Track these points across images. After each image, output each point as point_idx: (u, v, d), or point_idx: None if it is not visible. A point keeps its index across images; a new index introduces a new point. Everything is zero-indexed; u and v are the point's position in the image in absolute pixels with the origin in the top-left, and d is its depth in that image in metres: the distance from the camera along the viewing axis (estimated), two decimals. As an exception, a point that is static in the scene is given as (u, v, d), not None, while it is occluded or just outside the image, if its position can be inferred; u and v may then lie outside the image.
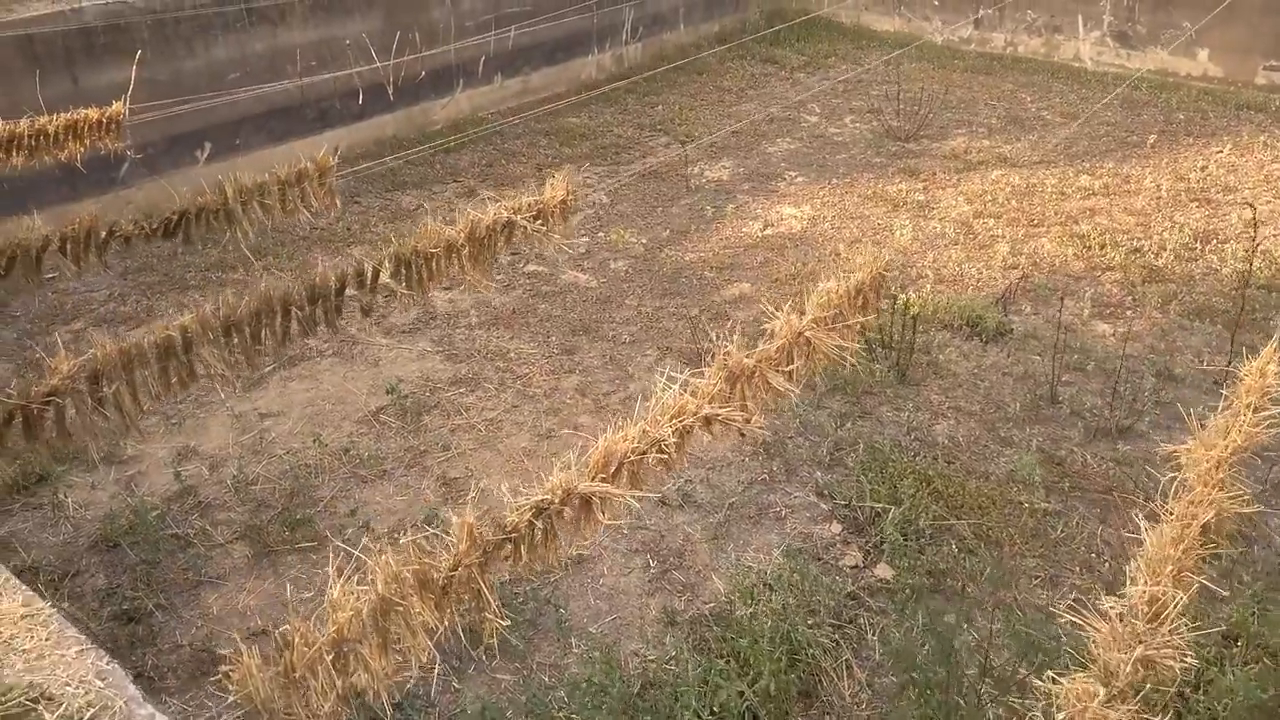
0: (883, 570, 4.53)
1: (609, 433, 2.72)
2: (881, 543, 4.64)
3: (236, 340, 3.07)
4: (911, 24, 13.97)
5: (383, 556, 2.18)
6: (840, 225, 8.13)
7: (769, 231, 8.04)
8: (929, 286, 7.08)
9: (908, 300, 6.65)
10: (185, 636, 4.20)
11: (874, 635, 4.19)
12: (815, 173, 9.28)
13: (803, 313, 3.40)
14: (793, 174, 9.28)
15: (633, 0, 12.04)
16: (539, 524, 2.47)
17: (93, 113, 4.88)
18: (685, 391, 2.99)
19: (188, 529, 4.77)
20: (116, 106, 4.95)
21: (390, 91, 9.26)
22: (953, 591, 4.43)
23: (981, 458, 5.32)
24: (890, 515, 4.75)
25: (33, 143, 4.69)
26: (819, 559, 4.62)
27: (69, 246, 3.78)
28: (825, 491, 5.04)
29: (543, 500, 2.44)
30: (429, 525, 4.66)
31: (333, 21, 8.95)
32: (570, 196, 4.12)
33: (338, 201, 4.80)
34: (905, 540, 4.61)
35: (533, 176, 9.15)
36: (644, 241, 7.87)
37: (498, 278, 7.30)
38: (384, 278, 3.45)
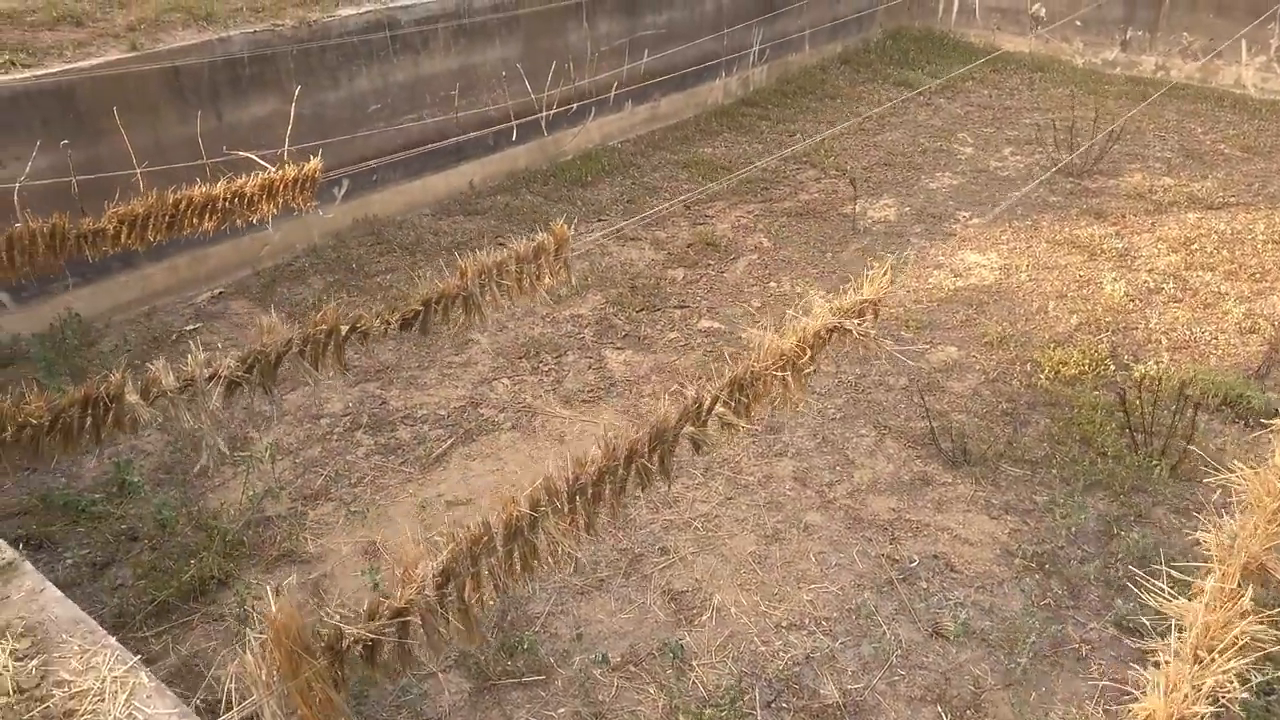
0: (1234, 737, 3.75)
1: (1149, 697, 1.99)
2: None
3: (579, 505, 2.41)
4: (1049, 45, 13.10)
5: None
6: (1038, 276, 7.34)
7: (960, 283, 7.27)
8: (1165, 355, 6.27)
9: (1148, 373, 5.87)
10: (414, 800, 3.57)
11: (1250, 830, 3.42)
12: (989, 213, 8.49)
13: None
14: (964, 214, 8.50)
15: (762, 20, 11.36)
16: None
17: (289, 171, 4.29)
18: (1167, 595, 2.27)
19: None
20: (314, 164, 4.38)
21: (543, 123, 8.66)
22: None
23: (1299, 580, 4.51)
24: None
25: (227, 205, 4.11)
26: None
27: (308, 348, 3.16)
28: (1128, 624, 4.27)
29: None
30: (669, 656, 4.00)
31: (474, 48, 8.37)
32: (885, 293, 3.41)
33: (572, 276, 4.15)
34: (1259, 699, 3.83)
35: (681, 215, 8.49)
36: (823, 294, 7.14)
37: (670, 335, 6.64)
38: (719, 408, 2.76)
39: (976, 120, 10.93)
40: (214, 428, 2.81)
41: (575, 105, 9.38)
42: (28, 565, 2.17)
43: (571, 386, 6.05)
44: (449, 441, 5.50)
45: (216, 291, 7.01)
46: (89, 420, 2.71)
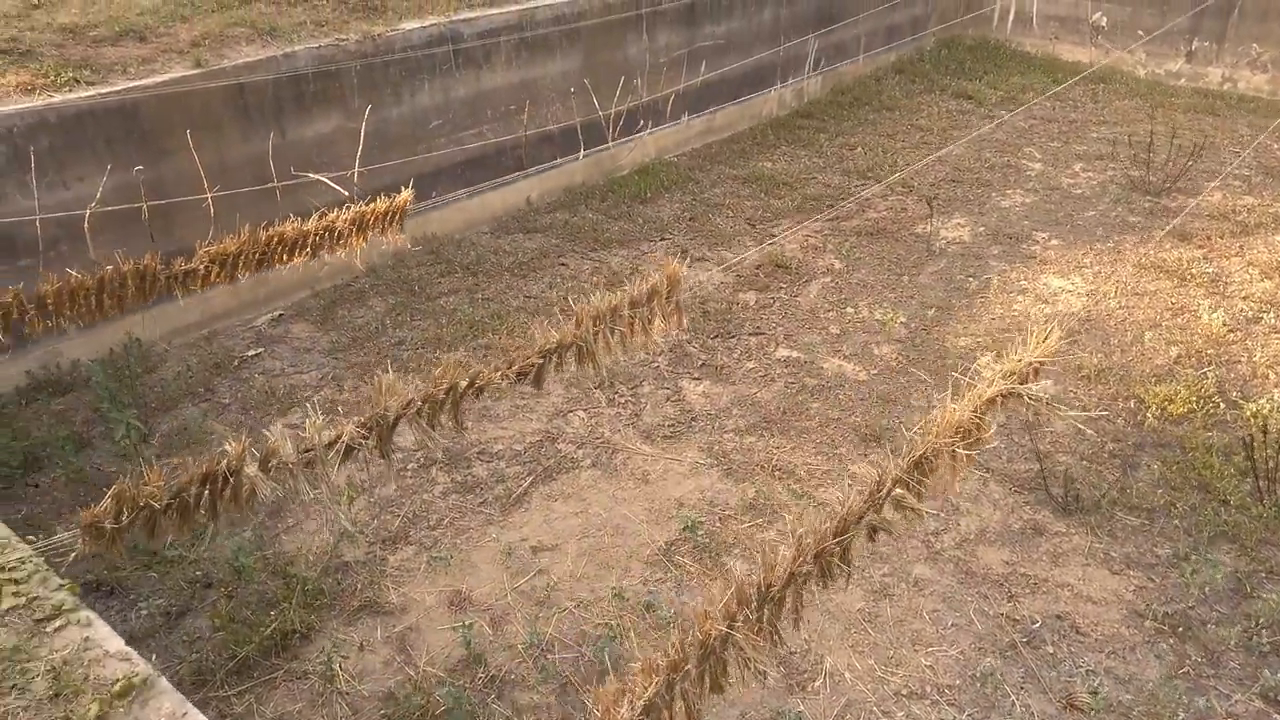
0: None
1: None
2: (1400, 789, 3.56)
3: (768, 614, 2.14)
4: (1110, 55, 12.73)
5: None
6: (1128, 304, 7.01)
7: (1046, 310, 6.96)
8: (1275, 392, 5.94)
9: (1262, 411, 5.54)
10: None
11: None
12: (1068, 234, 8.17)
13: None
14: (1042, 235, 8.18)
15: (818, 29, 11.07)
16: None
17: (380, 205, 4.06)
18: None
19: (489, 718, 3.89)
20: (405, 195, 4.14)
21: (603, 137, 8.43)
22: None
23: None
24: (1393, 745, 3.66)
25: (318, 240, 3.88)
26: (1311, 805, 3.56)
27: (426, 407, 2.92)
28: (1277, 697, 3.96)
29: None
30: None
31: (534, 62, 8.12)
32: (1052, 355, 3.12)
33: (685, 319, 3.89)
34: None
35: (746, 233, 8.21)
36: (903, 320, 6.85)
37: (748, 364, 6.36)
38: (898, 490, 2.48)
39: (1041, 134, 10.59)
40: (333, 497, 2.56)
41: (635, 119, 9.13)
42: (164, 682, 1.93)
43: (650, 420, 5.79)
44: (528, 480, 5.25)
45: (276, 314, 6.80)
46: (205, 496, 2.48)
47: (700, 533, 4.86)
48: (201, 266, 3.54)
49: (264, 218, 6.61)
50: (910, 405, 5.92)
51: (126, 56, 5.99)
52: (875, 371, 6.26)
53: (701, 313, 6.93)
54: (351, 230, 4.02)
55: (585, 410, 5.88)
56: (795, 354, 6.46)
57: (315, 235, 3.87)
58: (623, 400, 5.98)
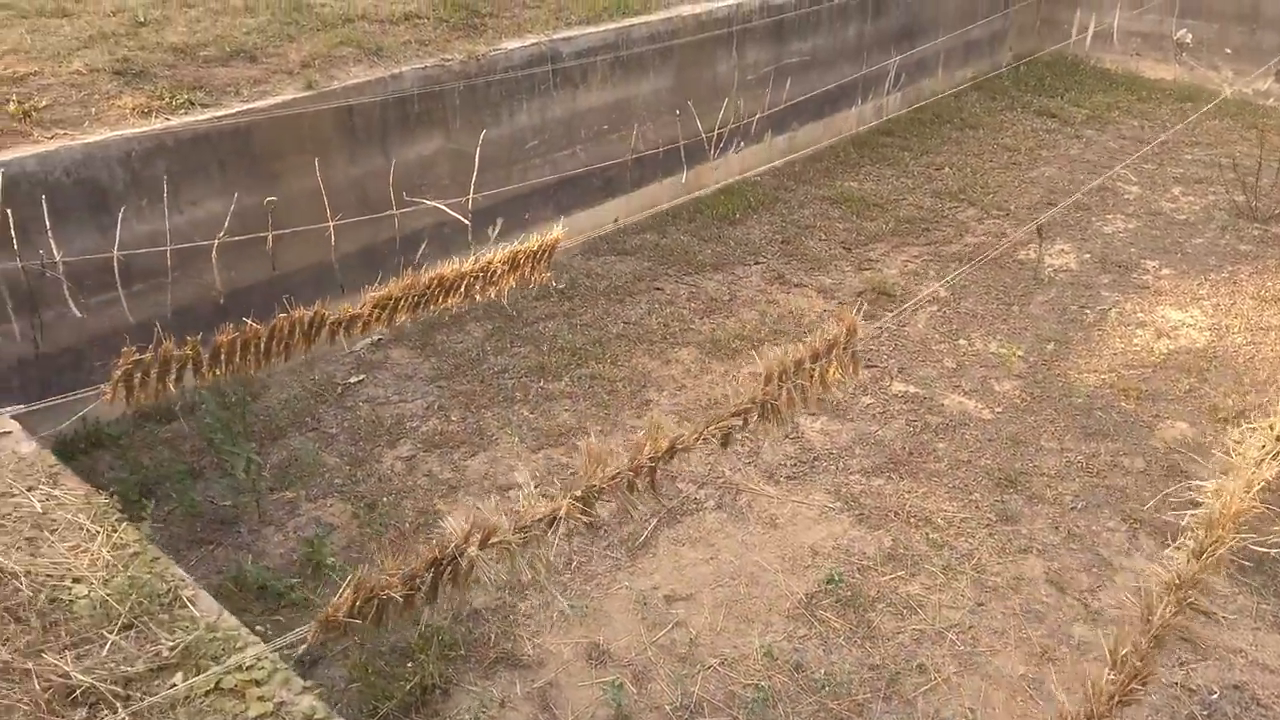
0: None
1: None
2: None
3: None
4: (1194, 73, 12.37)
5: None
6: (1255, 339, 6.72)
7: (1170, 345, 6.68)
8: None
9: None
10: None
11: None
12: (1179, 263, 7.87)
13: None
14: (1151, 263, 7.88)
15: (899, 46, 10.83)
16: None
17: (532, 243, 3.91)
18: None
19: (647, 787, 3.70)
20: (556, 234, 3.98)
21: (693, 155, 8.25)
22: None
23: None
24: None
25: (471, 281, 3.72)
26: None
27: (621, 481, 2.74)
28: None
29: None
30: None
31: (628, 80, 7.96)
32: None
33: (860, 369, 3.70)
34: None
35: (842, 257, 7.98)
36: (1021, 354, 6.59)
37: (864, 400, 6.14)
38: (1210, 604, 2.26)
39: (1133, 154, 10.27)
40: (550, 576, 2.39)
41: (722, 138, 8.94)
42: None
43: (770, 459, 5.58)
44: (653, 522, 5.06)
45: (375, 338, 6.66)
46: (430, 580, 2.31)
47: (840, 583, 4.64)
48: (366, 311, 3.39)
49: (372, 243, 6.49)
50: (1042, 448, 5.66)
51: (238, 78, 5.88)
52: (1000, 409, 6.01)
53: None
54: (505, 270, 3.86)
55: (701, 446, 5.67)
56: (912, 389, 6.23)
57: (471, 277, 3.71)
58: (739, 436, 5.77)
